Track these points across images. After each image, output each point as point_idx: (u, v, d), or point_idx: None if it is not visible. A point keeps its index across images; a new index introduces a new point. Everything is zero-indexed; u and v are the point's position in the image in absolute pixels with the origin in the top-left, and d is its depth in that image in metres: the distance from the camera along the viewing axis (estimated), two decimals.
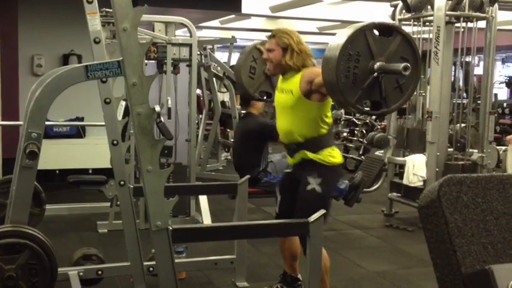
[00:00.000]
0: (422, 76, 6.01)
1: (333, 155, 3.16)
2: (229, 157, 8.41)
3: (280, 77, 3.26)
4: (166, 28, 5.12)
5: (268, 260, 4.35)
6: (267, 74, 3.60)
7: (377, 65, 2.52)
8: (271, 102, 3.85)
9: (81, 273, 3.33)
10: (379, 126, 8.44)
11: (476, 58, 6.99)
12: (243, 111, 5.65)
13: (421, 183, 5.34)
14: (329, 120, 3.16)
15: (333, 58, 2.50)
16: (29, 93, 2.85)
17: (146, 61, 5.22)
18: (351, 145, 8.80)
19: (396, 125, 5.89)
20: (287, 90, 3.14)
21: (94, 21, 2.81)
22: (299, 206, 3.14)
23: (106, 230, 4.96)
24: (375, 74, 2.52)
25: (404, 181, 5.51)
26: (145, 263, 3.23)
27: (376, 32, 2.57)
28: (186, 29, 5.25)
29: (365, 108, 2.64)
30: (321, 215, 2.63)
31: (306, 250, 2.69)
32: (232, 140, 7.80)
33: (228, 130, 8.47)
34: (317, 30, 11.62)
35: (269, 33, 3.26)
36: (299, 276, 3.55)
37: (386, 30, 2.59)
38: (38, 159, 2.50)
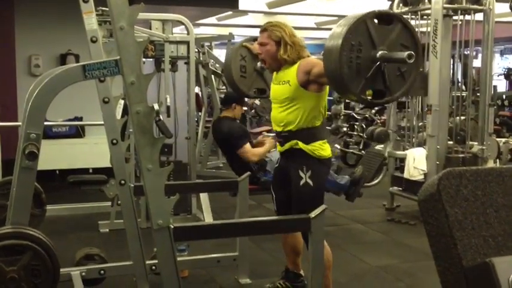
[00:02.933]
0: (421, 69, 6.00)
1: (323, 148, 3.14)
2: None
3: (275, 73, 3.24)
4: (163, 26, 5.10)
5: (270, 257, 4.35)
6: (258, 71, 3.55)
7: (379, 53, 2.52)
8: (267, 97, 3.79)
9: (83, 273, 3.34)
10: (378, 121, 8.43)
11: (475, 51, 6.98)
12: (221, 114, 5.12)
13: (422, 176, 5.34)
14: (324, 112, 3.15)
15: (335, 48, 2.49)
16: (27, 94, 2.84)
17: (144, 59, 5.21)
18: (351, 140, 8.78)
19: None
20: (284, 81, 3.10)
21: (90, 21, 2.80)
22: (294, 202, 3.15)
23: (107, 230, 4.97)
24: (378, 62, 2.52)
25: (405, 175, 5.51)
26: (147, 262, 3.23)
27: (376, 21, 2.57)
28: (183, 26, 5.24)
29: (368, 98, 2.63)
30: (322, 210, 2.62)
31: (309, 245, 2.69)
32: None
33: None
34: (315, 26, 11.60)
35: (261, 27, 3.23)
36: (301, 272, 3.55)
37: (386, 18, 2.59)
38: (38, 159, 2.50)
